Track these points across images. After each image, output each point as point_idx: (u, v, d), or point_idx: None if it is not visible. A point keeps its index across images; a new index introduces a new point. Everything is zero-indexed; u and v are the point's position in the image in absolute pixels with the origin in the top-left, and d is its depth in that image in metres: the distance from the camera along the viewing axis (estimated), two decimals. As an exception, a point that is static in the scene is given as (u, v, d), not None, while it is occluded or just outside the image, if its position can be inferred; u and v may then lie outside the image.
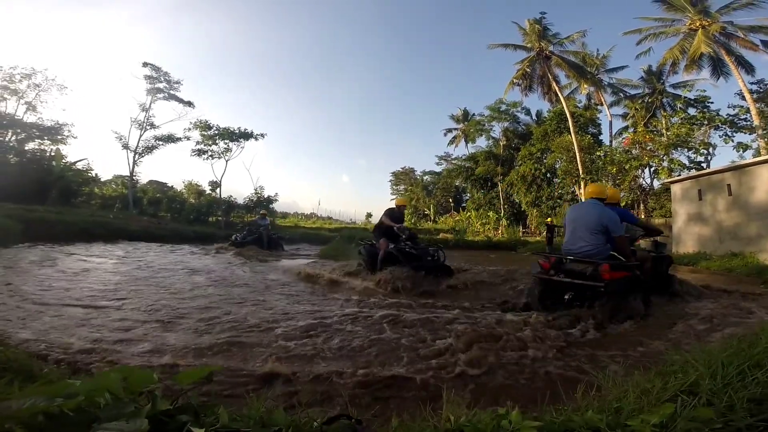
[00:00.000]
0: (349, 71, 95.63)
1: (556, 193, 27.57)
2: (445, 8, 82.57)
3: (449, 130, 44.41)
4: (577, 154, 22.39)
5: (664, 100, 24.99)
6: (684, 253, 11.54)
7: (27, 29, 53.23)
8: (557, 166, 26.79)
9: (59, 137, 22.48)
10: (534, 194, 28.54)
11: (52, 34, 55.87)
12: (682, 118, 19.78)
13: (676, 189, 13.35)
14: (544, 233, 22.19)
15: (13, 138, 21.40)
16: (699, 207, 12.02)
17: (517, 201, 30.91)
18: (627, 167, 19.58)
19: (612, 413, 1.33)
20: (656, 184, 21.33)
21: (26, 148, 21.60)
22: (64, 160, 22.78)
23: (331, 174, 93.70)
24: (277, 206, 26.01)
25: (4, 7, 46.22)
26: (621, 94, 27.18)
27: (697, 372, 1.67)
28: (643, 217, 20.48)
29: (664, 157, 18.61)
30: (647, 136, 18.99)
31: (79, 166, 23.96)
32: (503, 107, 34.57)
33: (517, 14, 73.27)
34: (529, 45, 24.22)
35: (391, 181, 57.83)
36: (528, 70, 24.57)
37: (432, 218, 44.44)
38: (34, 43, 52.35)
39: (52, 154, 22.21)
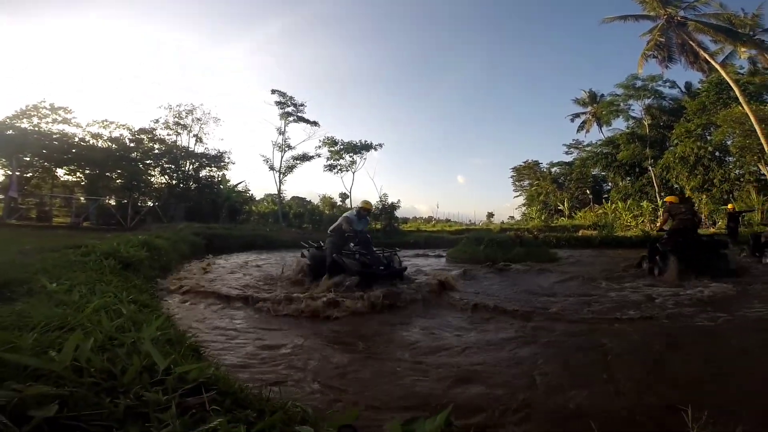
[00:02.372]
0: (452, 70, 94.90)
1: (732, 174, 22.86)
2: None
3: (576, 116, 40.66)
4: (756, 126, 18.41)
5: None
6: None
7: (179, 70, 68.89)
8: (729, 143, 22.25)
9: (222, 164, 25.54)
10: (701, 177, 24.18)
11: (195, 74, 70.69)
12: None
13: None
14: (723, 222, 18.49)
15: (191, 167, 24.68)
16: None
17: (678, 187, 26.53)
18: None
19: None
20: None
21: (201, 175, 25.19)
22: (228, 184, 26.56)
23: (446, 176, 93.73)
24: (398, 212, 27.64)
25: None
26: None
27: None
28: None
29: None
30: None
31: (240, 188, 27.78)
32: (639, 83, 30.29)
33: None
34: (652, 13, 21.05)
35: (512, 177, 54.96)
36: (661, 39, 21.28)
37: (567, 213, 41.11)
38: (184, 81, 67.01)
39: (219, 179, 25.93)
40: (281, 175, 27.12)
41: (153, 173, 23.89)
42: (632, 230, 24.25)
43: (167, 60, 68.00)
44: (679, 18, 20.54)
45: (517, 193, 55.02)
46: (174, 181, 24.23)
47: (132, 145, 22.61)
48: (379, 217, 27.32)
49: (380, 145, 27.19)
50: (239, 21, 78.29)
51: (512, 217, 53.28)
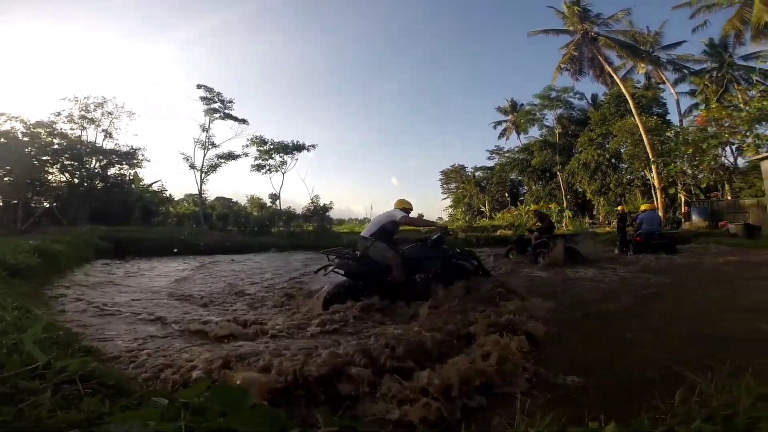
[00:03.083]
0: (390, 76, 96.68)
1: (624, 180, 25.83)
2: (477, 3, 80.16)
3: (498, 123, 43.35)
4: (644, 136, 20.91)
5: (736, 73, 22.72)
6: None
7: (90, 59, 60.99)
8: (622, 151, 25.14)
9: (135, 161, 23.71)
10: (599, 182, 27.02)
11: (113, 64, 63.12)
12: (761, 91, 17.74)
13: (766, 166, 12.16)
14: (615, 223, 20.81)
15: (97, 165, 22.58)
16: (797, 186, 10.88)
17: (581, 190, 29.35)
18: (704, 146, 17.91)
19: (721, 424, 1.18)
20: (741, 162, 19.30)
21: (109, 173, 23.17)
22: (141, 183, 25.02)
23: (382, 177, 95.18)
24: (332, 213, 27.05)
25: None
26: (685, 71, 25.06)
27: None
28: (729, 198, 18.60)
29: (748, 133, 16.76)
30: (723, 112, 17.23)
31: (155, 187, 26.26)
32: (553, 94, 33.19)
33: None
34: (571, 28, 23.21)
35: (441, 180, 57.18)
36: (575, 53, 23.53)
37: (488, 215, 43.55)
38: (99, 73, 60.19)
39: (131, 177, 24.15)
40: (203, 175, 25.36)
41: (51, 171, 20.68)
42: (543, 229, 26.30)
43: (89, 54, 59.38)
44: (592, 34, 22.69)
45: (445, 196, 57.41)
46: (76, 180, 21.68)
47: (26, 139, 19.12)
48: (311, 218, 26.33)
49: (314, 146, 26.29)
50: (170, 16, 71.38)
51: (441, 218, 55.32)
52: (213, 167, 25.75)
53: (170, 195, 28.18)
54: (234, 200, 37.35)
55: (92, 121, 22.54)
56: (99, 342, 3.22)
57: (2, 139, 18.08)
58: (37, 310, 3.45)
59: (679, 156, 19.60)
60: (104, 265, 9.82)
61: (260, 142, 25.34)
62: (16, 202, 17.92)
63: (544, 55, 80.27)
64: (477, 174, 49.18)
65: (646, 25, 25.21)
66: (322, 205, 26.32)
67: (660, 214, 20.01)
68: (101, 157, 22.64)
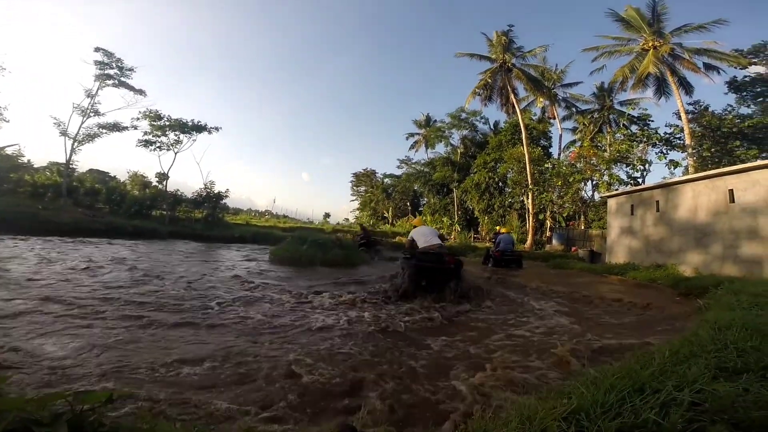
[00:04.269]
0: (318, 70, 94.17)
1: (506, 202, 28.31)
2: (420, 15, 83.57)
3: (411, 134, 44.75)
4: (528, 165, 23.05)
5: (611, 116, 26.37)
6: (615, 263, 11.95)
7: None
8: (509, 176, 27.53)
9: None
10: (486, 202, 29.17)
11: None
12: (624, 135, 20.88)
13: (611, 203, 13.87)
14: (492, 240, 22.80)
15: None
16: (630, 221, 12.51)
17: (471, 208, 31.41)
18: (571, 180, 20.37)
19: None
20: (597, 196, 22.50)
21: None
22: None
23: (291, 171, 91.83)
24: (230, 202, 24.62)
25: None
26: (573, 109, 28.38)
27: (582, 397, 1.69)
28: (582, 227, 21.43)
29: (605, 172, 19.55)
30: (591, 151, 19.85)
31: (9, 151, 22.65)
32: (463, 115, 35.29)
33: (488, 23, 75.68)
34: (493, 56, 24.69)
35: (352, 182, 57.06)
36: (489, 80, 25.00)
37: (390, 221, 44.31)
38: None
39: None
40: (75, 143, 22.03)
41: None
42: (434, 240, 27.28)
43: None
44: (509, 64, 24.25)
45: (354, 198, 57.27)
46: None
47: None
48: (202, 204, 23.33)
49: (217, 129, 23.83)
50: None
51: (347, 219, 54.88)
52: (90, 136, 22.66)
53: (29, 161, 24.40)
54: (112, 174, 33.39)
55: None
56: None
57: None
58: None
59: (550, 186, 21.99)
60: None
61: (155, 116, 22.44)
62: None
63: (467, 76, 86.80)
64: (386, 180, 50.13)
65: (556, 63, 28.28)
66: (216, 192, 23.88)
67: (529, 236, 22.16)
68: None
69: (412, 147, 44.76)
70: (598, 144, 22.47)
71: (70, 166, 23.06)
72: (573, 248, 18.59)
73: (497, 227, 20.82)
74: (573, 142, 27.72)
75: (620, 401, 1.62)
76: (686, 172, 18.48)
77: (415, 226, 7.74)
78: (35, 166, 25.24)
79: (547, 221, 23.05)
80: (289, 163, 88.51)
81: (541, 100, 27.07)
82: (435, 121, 42.22)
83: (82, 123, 22.14)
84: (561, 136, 28.84)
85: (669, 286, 8.10)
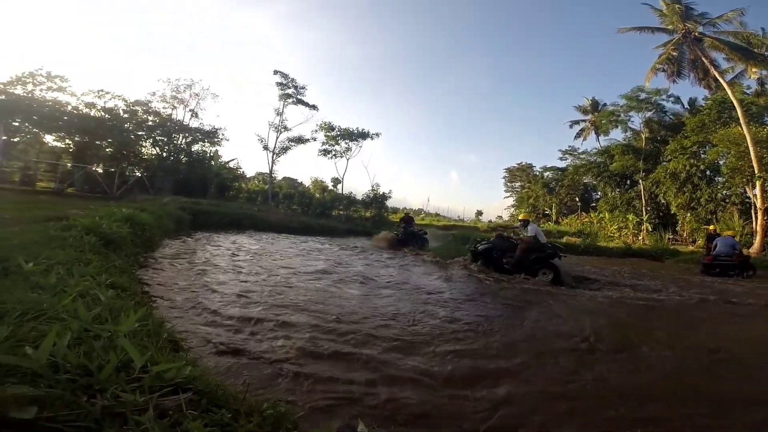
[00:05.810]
0: (459, 66, 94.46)
1: (718, 195, 23.31)
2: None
3: (575, 122, 40.88)
4: (751, 148, 18.71)
5: None
6: None
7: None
8: (721, 163, 22.63)
9: (216, 140, 25.77)
10: (688, 195, 24.59)
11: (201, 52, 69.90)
12: None
13: None
14: (701, 242, 18.90)
15: (183, 141, 24.86)
16: None
17: (665, 202, 26.97)
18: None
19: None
20: None
21: (193, 149, 25.43)
22: (220, 160, 27.02)
23: (441, 170, 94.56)
24: (389, 202, 28.03)
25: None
26: None
27: None
28: None
29: None
30: None
31: (231, 165, 28.39)
32: (643, 95, 30.45)
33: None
34: (670, 27, 21.15)
35: (505, 177, 55.30)
36: (674, 54, 21.53)
37: (554, 219, 41.62)
38: (187, 56, 67.33)
39: (211, 154, 26.28)
40: (274, 156, 27.27)
41: (144, 144, 23.90)
42: (615, 241, 24.74)
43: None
44: (696, 34, 20.65)
45: (508, 194, 55.54)
46: (165, 154, 24.24)
47: (126, 116, 22.54)
48: (370, 205, 27.64)
49: (377, 134, 27.48)
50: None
51: (500, 217, 53.87)
52: (284, 149, 27.28)
53: (243, 172, 31.08)
54: (299, 181, 39.90)
55: (181, 101, 24.92)
56: (196, 334, 3.27)
57: (107, 115, 21.37)
58: (131, 287, 3.48)
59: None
60: (188, 241, 9.90)
61: (328, 128, 26.86)
62: (114, 170, 20.92)
63: (629, 55, 72.94)
64: (546, 174, 46.94)
65: (762, 27, 22.20)
66: (381, 193, 27.60)
67: (758, 238, 18.10)
68: (187, 135, 24.85)
69: (578, 136, 40.72)
70: None
71: (272, 175, 28.05)
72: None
73: (710, 227, 17.63)
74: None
75: None
76: None
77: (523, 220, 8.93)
78: (248, 176, 32.49)
79: (787, 219, 18.18)
80: (438, 163, 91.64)
81: (755, 70, 21.39)
82: (604, 104, 37.53)
83: (277, 137, 26.90)
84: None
85: None
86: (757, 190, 18.68)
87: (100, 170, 21.42)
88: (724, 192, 23.03)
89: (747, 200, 21.37)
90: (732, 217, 21.73)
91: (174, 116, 24.88)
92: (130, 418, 1.08)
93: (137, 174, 22.37)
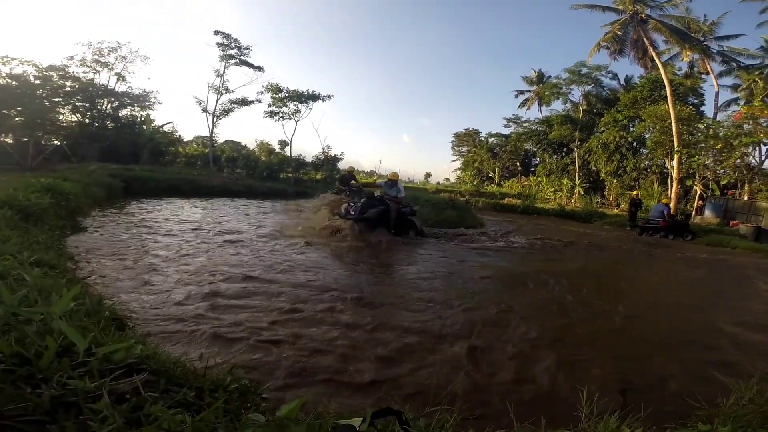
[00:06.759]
0: (413, 31, 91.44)
1: (641, 165, 26.10)
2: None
3: (521, 92, 42.57)
4: (674, 124, 20.87)
5: None
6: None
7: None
8: (647, 136, 25.13)
9: (147, 104, 24.53)
10: (616, 163, 27.15)
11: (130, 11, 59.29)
12: None
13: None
14: (625, 206, 21.58)
15: (109, 106, 23.42)
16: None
17: (595, 169, 29.64)
18: (735, 143, 18.09)
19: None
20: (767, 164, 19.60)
21: (120, 114, 24.07)
22: (152, 124, 25.72)
23: (393, 133, 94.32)
24: (341, 164, 27.43)
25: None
26: (733, 64, 24.53)
27: None
28: (746, 198, 19.15)
29: (786, 136, 16.92)
30: (766, 111, 17.18)
31: (166, 128, 27.06)
32: (584, 70, 32.33)
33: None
34: (620, 7, 22.23)
35: (452, 141, 56.73)
36: (619, 33, 22.87)
37: (497, 181, 43.89)
38: (116, 19, 57.43)
39: (142, 119, 24.90)
40: (215, 118, 25.91)
41: (62, 111, 21.39)
42: (550, 203, 26.93)
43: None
44: (643, 15, 21.72)
45: (455, 158, 57.25)
46: (87, 120, 22.56)
47: (37, 82, 19.37)
48: (320, 167, 26.61)
49: (329, 97, 26.11)
50: None
51: (447, 179, 55.86)
52: (225, 112, 26.31)
53: (180, 136, 29.03)
54: (243, 144, 38.05)
55: (105, 64, 23.40)
56: (139, 310, 3.08)
57: (14, 82, 18.51)
58: (59, 264, 3.22)
59: (705, 149, 19.81)
60: (117, 210, 9.41)
61: (275, 89, 25.35)
62: (26, 139, 18.46)
63: (578, 31, 76.18)
64: (491, 140, 48.77)
65: (704, 14, 24.34)
66: (333, 155, 27.00)
67: (672, 204, 20.73)
68: (113, 99, 23.39)
69: (522, 105, 42.65)
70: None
71: (213, 138, 26.93)
72: (732, 222, 16.97)
73: (633, 192, 19.82)
74: (734, 100, 23.98)
75: None
76: None
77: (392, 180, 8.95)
78: (185, 140, 30.29)
79: (697, 188, 20.97)
80: (390, 126, 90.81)
81: (688, 53, 23.59)
82: (549, 77, 39.23)
83: (218, 100, 25.71)
84: (717, 93, 25.24)
85: None
86: (675, 162, 21.13)
87: (9, 140, 18.69)
88: (647, 162, 25.75)
89: (665, 171, 24.15)
90: (652, 184, 24.60)
91: (97, 81, 23.26)
92: (84, 407, 0.99)
93: (56, 143, 20.56)
